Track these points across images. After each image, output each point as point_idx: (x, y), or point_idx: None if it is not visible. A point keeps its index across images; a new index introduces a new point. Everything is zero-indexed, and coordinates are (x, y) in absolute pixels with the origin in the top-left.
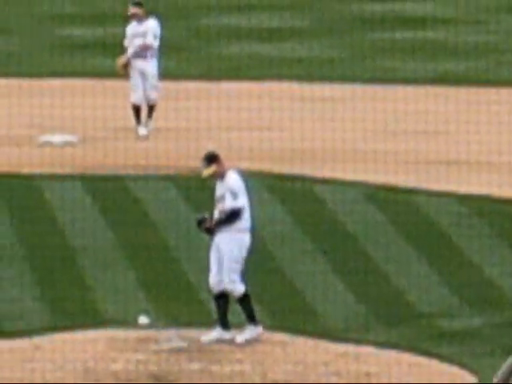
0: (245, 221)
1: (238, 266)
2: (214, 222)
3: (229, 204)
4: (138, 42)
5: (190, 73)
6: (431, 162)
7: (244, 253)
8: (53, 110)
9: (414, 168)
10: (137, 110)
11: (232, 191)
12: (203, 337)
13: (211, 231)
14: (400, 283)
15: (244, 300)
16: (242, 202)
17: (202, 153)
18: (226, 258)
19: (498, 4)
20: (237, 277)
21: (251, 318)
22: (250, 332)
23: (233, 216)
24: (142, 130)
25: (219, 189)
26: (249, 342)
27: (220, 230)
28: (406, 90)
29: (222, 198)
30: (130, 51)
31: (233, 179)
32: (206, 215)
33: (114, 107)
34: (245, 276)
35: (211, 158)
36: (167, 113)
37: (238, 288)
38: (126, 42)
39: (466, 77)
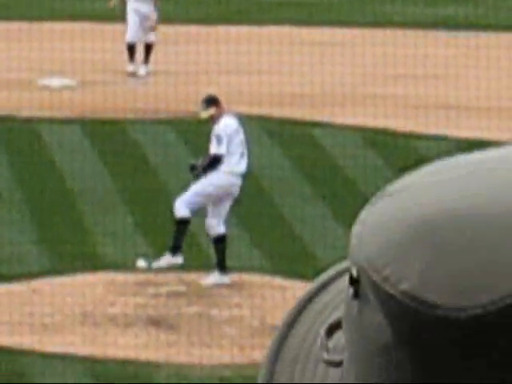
0: (232, 164)
1: (198, 200)
2: (198, 168)
3: (212, 150)
4: None
5: (189, 16)
6: (430, 106)
7: (220, 193)
8: (52, 53)
9: (414, 112)
10: (131, 48)
11: (217, 136)
12: (203, 281)
13: (198, 177)
14: None
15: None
16: (224, 148)
17: (201, 97)
18: (193, 187)
19: None
20: (185, 207)
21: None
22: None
23: (213, 162)
24: (141, 70)
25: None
26: (244, 286)
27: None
28: (406, 35)
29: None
30: None
31: (222, 124)
32: (198, 161)
33: (113, 51)
34: (225, 221)
35: (210, 101)
36: (167, 57)
37: (181, 213)
38: None
39: (465, 21)
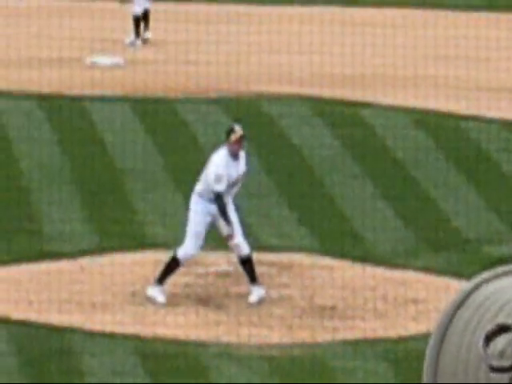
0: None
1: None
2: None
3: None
4: None
5: None
6: (482, 88)
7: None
8: (102, 32)
9: (465, 94)
10: (139, 20)
11: None
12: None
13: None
14: (448, 209)
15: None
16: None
17: (250, 76)
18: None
19: None
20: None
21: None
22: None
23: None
24: (148, 34)
25: (239, 167)
26: (289, 268)
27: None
28: (458, 16)
29: (243, 176)
30: None
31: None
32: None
33: (164, 30)
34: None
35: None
36: (215, 36)
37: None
38: None
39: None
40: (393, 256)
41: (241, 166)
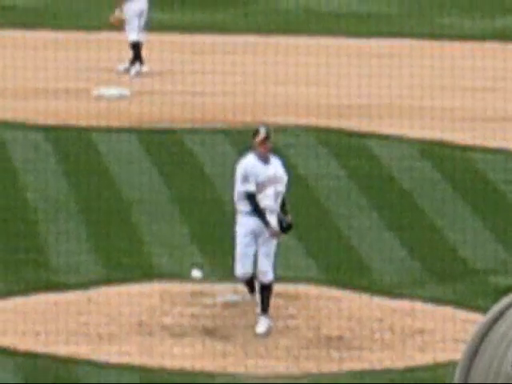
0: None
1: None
2: (287, 214)
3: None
4: None
5: (248, 27)
6: (488, 118)
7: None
8: (109, 63)
9: (471, 125)
10: (138, 47)
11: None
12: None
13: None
14: (454, 239)
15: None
16: None
17: (256, 107)
18: (272, 245)
19: None
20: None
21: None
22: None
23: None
24: (145, 68)
25: (269, 169)
26: (301, 298)
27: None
28: (463, 46)
29: (279, 178)
30: None
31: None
32: (287, 218)
33: (170, 61)
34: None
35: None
36: (222, 67)
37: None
38: None
39: None
40: (399, 286)
41: (271, 169)
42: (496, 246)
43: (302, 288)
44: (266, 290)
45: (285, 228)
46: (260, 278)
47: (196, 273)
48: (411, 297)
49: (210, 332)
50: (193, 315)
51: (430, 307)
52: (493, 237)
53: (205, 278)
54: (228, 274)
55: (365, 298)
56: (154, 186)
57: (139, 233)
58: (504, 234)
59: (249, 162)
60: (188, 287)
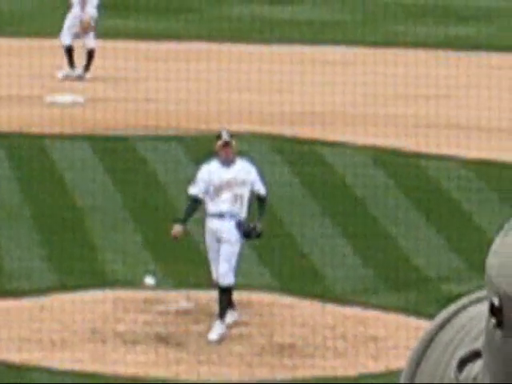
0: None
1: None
2: (260, 219)
3: (263, 190)
4: None
5: (200, 34)
6: (441, 126)
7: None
8: (63, 69)
9: (424, 132)
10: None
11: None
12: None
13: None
14: (407, 247)
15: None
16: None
17: (210, 115)
18: (231, 249)
19: None
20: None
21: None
22: (221, 329)
23: (265, 203)
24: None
25: (229, 172)
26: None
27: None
28: (417, 54)
29: (239, 182)
30: None
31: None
32: (252, 224)
33: (124, 68)
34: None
35: (232, 134)
36: (175, 74)
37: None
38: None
39: (476, 41)
40: (352, 294)
41: (231, 173)
42: (449, 253)
43: (254, 295)
44: (222, 293)
45: (246, 233)
46: (218, 280)
47: (149, 280)
48: (364, 304)
49: (163, 339)
50: (146, 322)
51: (382, 315)
52: (446, 245)
53: (158, 285)
54: (181, 281)
55: (317, 305)
56: (107, 193)
57: (92, 240)
58: (457, 241)
59: (207, 166)
60: (141, 294)
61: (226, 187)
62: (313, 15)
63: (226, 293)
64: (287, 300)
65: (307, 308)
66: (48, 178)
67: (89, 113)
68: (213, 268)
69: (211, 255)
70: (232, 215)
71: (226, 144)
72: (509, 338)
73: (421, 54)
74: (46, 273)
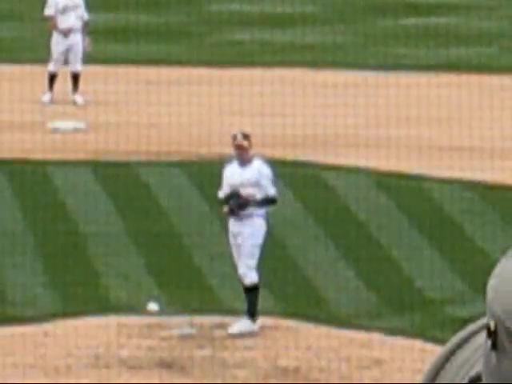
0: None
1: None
2: (250, 199)
3: (273, 191)
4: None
5: (201, 59)
6: (444, 147)
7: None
8: (64, 95)
9: (427, 154)
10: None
11: (270, 178)
12: (229, 329)
13: (242, 206)
14: (410, 270)
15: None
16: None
17: (212, 139)
18: (249, 246)
19: None
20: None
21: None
22: (245, 326)
23: (272, 203)
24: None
25: (244, 173)
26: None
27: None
28: (418, 76)
29: (253, 183)
30: None
31: (267, 166)
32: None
33: (126, 93)
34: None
35: (247, 135)
36: (177, 99)
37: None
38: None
39: (478, 62)
40: (356, 317)
41: (247, 173)
42: (452, 276)
43: (258, 320)
44: (247, 292)
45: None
46: (241, 281)
47: (152, 305)
48: (368, 327)
49: (166, 364)
50: (149, 348)
51: (386, 338)
52: (449, 267)
53: (161, 311)
54: (184, 307)
55: (321, 328)
56: (109, 219)
57: (95, 266)
58: (460, 264)
59: (228, 167)
60: (145, 320)
61: (240, 187)
62: (314, 38)
63: (250, 292)
64: (291, 323)
65: (311, 331)
66: (50, 204)
67: (91, 138)
68: (238, 265)
69: (233, 253)
70: (248, 216)
71: (239, 147)
72: (502, 361)
73: (422, 76)
74: (49, 299)
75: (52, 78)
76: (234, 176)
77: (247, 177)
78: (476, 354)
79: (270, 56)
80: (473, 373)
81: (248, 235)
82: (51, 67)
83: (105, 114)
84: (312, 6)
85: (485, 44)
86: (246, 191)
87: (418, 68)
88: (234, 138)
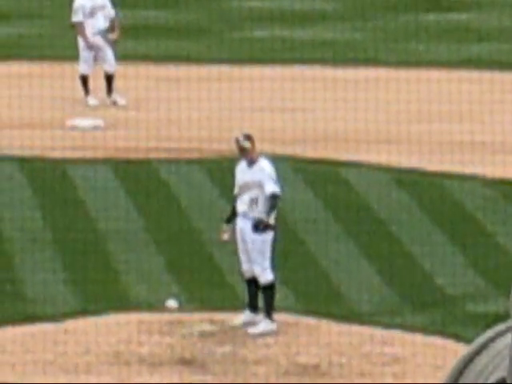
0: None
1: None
2: (264, 213)
3: (272, 189)
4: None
5: (220, 56)
6: (465, 144)
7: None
8: (82, 93)
9: (448, 150)
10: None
11: (272, 176)
12: (233, 321)
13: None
14: (428, 266)
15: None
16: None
17: (233, 136)
18: (258, 246)
19: None
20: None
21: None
22: (265, 326)
23: (274, 200)
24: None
25: (250, 173)
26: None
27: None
28: (439, 73)
29: (257, 183)
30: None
31: (269, 165)
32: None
33: (144, 89)
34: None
35: (249, 136)
36: (197, 96)
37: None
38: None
39: (498, 59)
40: (377, 314)
41: (252, 173)
42: (473, 273)
43: (278, 316)
44: (263, 292)
45: (255, 226)
46: (244, 276)
47: (172, 302)
48: (385, 324)
49: (187, 362)
50: (169, 345)
51: (407, 335)
52: (470, 264)
53: (181, 308)
54: (204, 304)
55: (342, 326)
56: (129, 217)
57: (115, 263)
58: (481, 260)
59: (238, 166)
60: (164, 317)
61: (246, 189)
62: (334, 35)
63: (266, 290)
64: (311, 321)
65: (331, 329)
66: (70, 202)
67: (110, 136)
68: (242, 261)
69: (239, 249)
70: (246, 217)
71: (241, 149)
72: None
73: (443, 72)
74: (69, 297)
75: (85, 80)
76: (240, 175)
77: (252, 177)
78: (501, 354)
79: (290, 53)
80: (499, 374)
81: (254, 235)
82: (82, 69)
83: (124, 111)
84: (332, 3)
85: (506, 40)
86: (250, 192)
87: (439, 64)
88: (236, 140)
